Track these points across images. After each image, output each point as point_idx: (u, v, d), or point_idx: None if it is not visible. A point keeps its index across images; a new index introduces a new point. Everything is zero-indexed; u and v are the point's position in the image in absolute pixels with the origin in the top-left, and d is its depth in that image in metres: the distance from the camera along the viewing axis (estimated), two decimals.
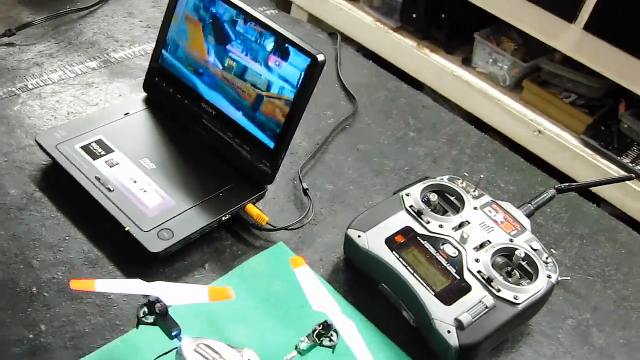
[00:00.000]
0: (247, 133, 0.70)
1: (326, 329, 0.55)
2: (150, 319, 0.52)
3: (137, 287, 0.52)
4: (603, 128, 1.57)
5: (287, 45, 0.66)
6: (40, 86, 0.82)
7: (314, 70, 0.65)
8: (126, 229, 0.63)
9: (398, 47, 1.76)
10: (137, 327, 0.52)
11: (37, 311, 0.58)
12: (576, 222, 0.80)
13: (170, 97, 0.76)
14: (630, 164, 1.48)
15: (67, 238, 0.65)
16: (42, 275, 0.61)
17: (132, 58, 0.89)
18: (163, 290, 0.51)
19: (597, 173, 1.43)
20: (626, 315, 0.70)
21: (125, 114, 0.76)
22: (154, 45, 0.77)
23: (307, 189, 0.74)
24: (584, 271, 0.74)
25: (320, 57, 0.64)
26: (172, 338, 0.52)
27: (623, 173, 1.44)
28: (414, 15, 1.74)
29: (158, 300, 0.51)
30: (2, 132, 0.74)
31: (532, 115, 1.62)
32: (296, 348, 0.55)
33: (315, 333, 0.55)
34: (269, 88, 0.68)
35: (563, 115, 1.59)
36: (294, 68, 0.66)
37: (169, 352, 0.52)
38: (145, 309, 0.52)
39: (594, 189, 1.40)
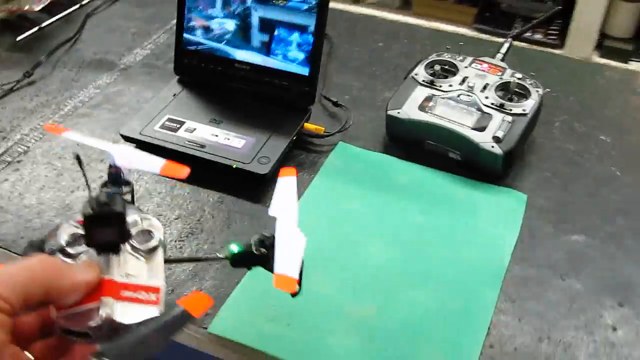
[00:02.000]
0: (282, 71, 0.88)
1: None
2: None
3: (99, 143, 0.52)
4: (488, 14, 1.85)
5: None
6: (84, 103, 0.95)
7: (323, 1, 0.84)
8: (234, 167, 0.80)
9: None
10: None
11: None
12: (524, 60, 1.04)
13: (203, 70, 0.92)
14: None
15: (188, 193, 0.81)
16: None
17: (138, 60, 1.04)
18: (120, 152, 0.51)
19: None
20: (592, 100, 0.95)
21: (174, 95, 0.91)
22: (148, 45, 0.92)
23: (337, 101, 0.93)
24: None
25: None
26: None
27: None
28: None
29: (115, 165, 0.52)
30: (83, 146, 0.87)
31: (427, 24, 1.87)
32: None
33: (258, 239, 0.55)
34: (289, 27, 0.86)
35: (452, 14, 1.86)
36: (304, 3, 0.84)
37: None
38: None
39: None
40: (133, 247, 0.50)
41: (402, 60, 1.04)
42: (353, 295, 0.69)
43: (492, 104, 0.85)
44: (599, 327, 0.66)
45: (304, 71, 0.87)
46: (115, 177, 0.52)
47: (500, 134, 0.81)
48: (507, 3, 1.81)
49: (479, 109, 0.85)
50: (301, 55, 0.87)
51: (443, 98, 0.86)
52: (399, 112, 0.86)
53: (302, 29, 0.86)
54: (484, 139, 0.81)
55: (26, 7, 1.10)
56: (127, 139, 0.85)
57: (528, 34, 1.74)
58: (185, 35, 0.92)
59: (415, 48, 1.07)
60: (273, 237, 0.54)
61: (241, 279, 0.70)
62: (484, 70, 0.90)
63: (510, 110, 0.84)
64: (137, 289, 0.48)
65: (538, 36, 1.78)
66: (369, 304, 0.68)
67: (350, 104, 0.94)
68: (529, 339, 0.65)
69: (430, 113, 0.85)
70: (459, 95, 0.86)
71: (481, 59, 0.92)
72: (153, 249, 0.50)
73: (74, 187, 0.81)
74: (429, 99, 0.87)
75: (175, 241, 0.74)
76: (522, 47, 1.09)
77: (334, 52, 1.06)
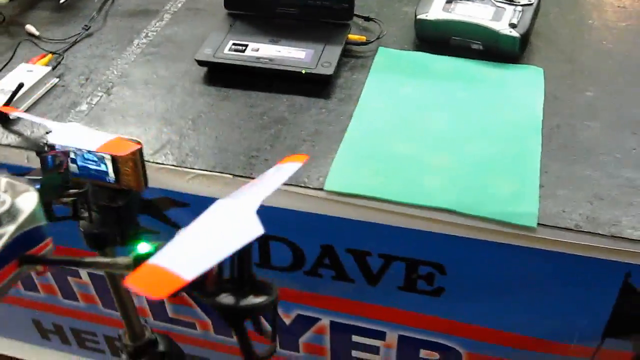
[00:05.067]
0: None
1: None
2: None
3: (44, 120, 0.54)
4: None
5: None
6: (146, 44, 1.07)
7: None
8: (304, 72, 0.95)
9: None
10: None
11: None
12: None
13: (251, 1, 1.06)
14: None
15: (267, 99, 0.95)
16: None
17: (179, 6, 1.16)
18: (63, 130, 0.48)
19: None
20: None
21: (230, 25, 1.04)
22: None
23: (368, 16, 1.09)
24: None
25: None
26: None
27: None
28: None
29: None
30: (161, 77, 1.01)
31: None
32: None
33: None
34: None
35: None
36: None
37: None
38: None
39: None
40: None
41: None
42: (430, 150, 0.85)
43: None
44: (624, 150, 0.85)
45: None
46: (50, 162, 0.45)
47: (515, 21, 0.98)
48: None
49: (493, 4, 1.02)
50: None
51: (460, 0, 1.03)
52: (427, 15, 1.02)
53: None
54: (502, 27, 0.99)
55: None
56: (203, 63, 0.98)
57: None
58: None
59: None
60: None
61: (339, 144, 0.85)
62: None
63: (519, 2, 1.01)
64: None
65: None
66: (444, 154, 0.84)
67: (379, 16, 1.10)
68: (574, 166, 0.83)
69: (454, 12, 1.01)
70: (473, 1, 1.03)
71: None
72: None
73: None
74: (449, 1, 1.03)
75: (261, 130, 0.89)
76: None
77: None
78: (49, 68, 1.00)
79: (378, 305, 0.92)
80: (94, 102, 0.96)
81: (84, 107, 0.95)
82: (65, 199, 0.52)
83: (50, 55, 1.04)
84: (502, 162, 0.83)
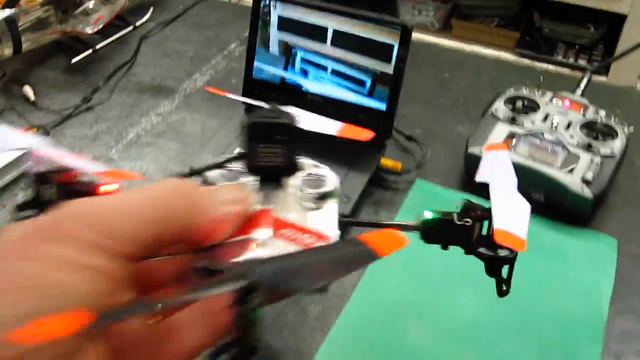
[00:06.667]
0: (358, 106, 0.85)
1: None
2: None
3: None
4: (528, 38, 1.83)
5: (373, 23, 0.81)
6: (147, 131, 0.92)
7: (406, 36, 0.80)
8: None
9: None
10: None
11: None
12: (604, 93, 1.01)
13: (273, 101, 0.89)
14: (562, 59, 1.75)
15: None
16: None
17: (198, 86, 1.01)
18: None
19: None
20: None
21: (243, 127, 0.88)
22: (207, 70, 0.90)
23: (410, 135, 0.90)
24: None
25: (409, 23, 0.80)
26: None
27: (560, 69, 1.70)
28: None
29: None
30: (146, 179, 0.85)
31: (467, 47, 1.85)
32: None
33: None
34: (371, 64, 0.83)
35: (493, 38, 1.83)
36: (387, 40, 0.81)
37: None
38: None
39: None
40: (300, 188, 0.40)
41: (470, 92, 1.01)
42: (451, 346, 0.65)
43: (578, 143, 0.82)
44: None
45: (382, 106, 0.84)
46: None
47: (590, 176, 0.78)
48: (549, 28, 1.79)
49: (565, 149, 0.81)
50: (380, 91, 0.83)
51: (526, 136, 0.83)
52: (480, 150, 0.82)
53: (385, 63, 0.83)
54: (572, 181, 0.78)
55: (80, 29, 1.07)
56: (196, 173, 0.81)
57: (571, 60, 1.72)
58: (256, 63, 0.89)
59: (482, 79, 1.04)
60: (482, 206, 0.43)
61: (340, 312, 0.66)
62: (565, 107, 0.87)
63: (598, 150, 0.81)
64: (303, 231, 0.37)
65: (582, 62, 1.75)
66: (468, 353, 0.64)
67: (423, 138, 0.91)
68: None
69: (514, 152, 0.81)
70: (542, 134, 0.83)
71: (561, 93, 0.89)
72: (324, 197, 0.41)
73: None
74: (511, 136, 0.83)
75: None
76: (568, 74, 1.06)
77: None
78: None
79: None
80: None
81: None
82: None
83: (34, 130, 0.90)
84: None
